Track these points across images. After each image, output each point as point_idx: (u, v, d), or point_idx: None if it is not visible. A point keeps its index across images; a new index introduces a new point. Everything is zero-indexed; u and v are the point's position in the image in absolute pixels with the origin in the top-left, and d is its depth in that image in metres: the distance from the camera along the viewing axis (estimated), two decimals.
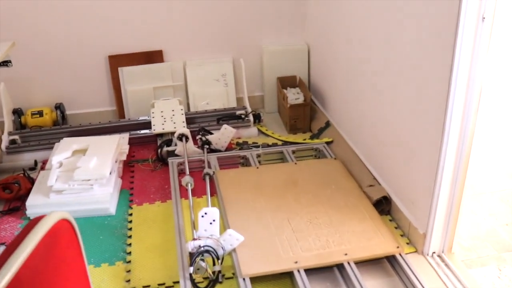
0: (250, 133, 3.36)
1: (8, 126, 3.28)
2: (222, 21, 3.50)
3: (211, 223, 2.22)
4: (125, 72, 3.48)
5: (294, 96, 3.43)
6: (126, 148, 3.00)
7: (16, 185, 2.78)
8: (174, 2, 3.38)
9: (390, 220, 2.51)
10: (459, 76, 1.89)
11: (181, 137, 2.95)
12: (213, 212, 2.22)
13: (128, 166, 3.07)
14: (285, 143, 3.22)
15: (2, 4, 3.21)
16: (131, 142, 3.19)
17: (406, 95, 2.25)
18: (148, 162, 3.09)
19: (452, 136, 2.00)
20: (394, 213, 2.50)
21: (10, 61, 2.81)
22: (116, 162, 2.86)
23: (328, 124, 3.26)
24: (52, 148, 3.11)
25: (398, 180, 2.45)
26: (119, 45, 3.45)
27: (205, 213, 2.21)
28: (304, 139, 3.25)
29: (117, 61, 3.47)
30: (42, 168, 3.07)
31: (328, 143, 3.11)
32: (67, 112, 3.57)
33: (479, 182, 2.84)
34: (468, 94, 1.92)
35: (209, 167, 2.87)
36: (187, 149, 2.94)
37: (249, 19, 3.52)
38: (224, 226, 2.39)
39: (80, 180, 2.60)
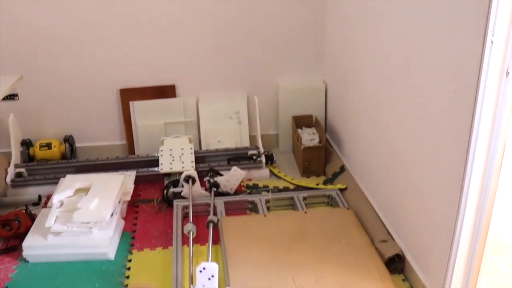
0: (261, 174, 3.24)
1: (15, 158, 3.22)
2: (237, 57, 3.41)
3: (209, 279, 2.10)
4: (136, 106, 3.40)
5: (309, 137, 3.30)
6: (131, 188, 2.90)
7: (16, 222, 2.70)
8: (188, 36, 3.31)
9: (403, 280, 2.34)
10: (480, 131, 1.73)
11: (188, 179, 2.84)
12: (212, 268, 2.09)
13: (133, 206, 2.96)
14: (297, 187, 3.09)
15: (15, 36, 3.18)
16: (138, 179, 3.10)
17: (425, 145, 2.10)
18: (153, 203, 2.98)
19: (472, 195, 1.83)
20: (408, 272, 2.34)
21: (17, 95, 2.76)
22: (119, 202, 2.76)
23: (343, 169, 3.12)
24: (57, 182, 3.03)
25: (413, 237, 2.29)
26: (131, 79, 3.38)
27: (204, 268, 2.09)
28: (317, 184, 3.11)
29: (128, 95, 3.40)
30: (46, 204, 2.99)
31: (341, 190, 2.97)
32: (77, 144, 3.51)
33: (503, 233, 2.64)
34: (491, 149, 1.76)
35: (215, 212, 2.74)
36: (193, 192, 2.83)
37: (265, 55, 3.42)
38: (224, 281, 2.25)
39: (79, 223, 2.50)
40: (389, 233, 2.52)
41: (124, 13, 3.20)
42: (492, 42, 1.62)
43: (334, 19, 3.24)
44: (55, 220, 2.53)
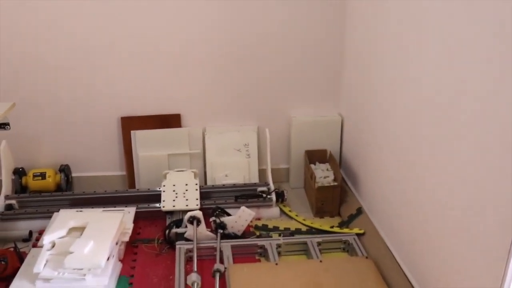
0: (271, 213, 3.01)
1: (6, 188, 3.00)
2: (248, 86, 3.20)
3: None
4: (138, 136, 3.18)
5: (323, 174, 3.08)
6: (129, 228, 2.66)
7: (2, 262, 2.46)
8: (196, 63, 3.11)
9: None
10: None
11: (192, 220, 2.61)
12: None
13: (131, 246, 2.72)
14: (310, 230, 2.85)
15: (9, 61, 2.99)
16: (138, 216, 2.87)
17: (463, 191, 1.86)
18: (154, 243, 2.74)
19: None
20: None
21: (8, 124, 2.54)
22: (117, 244, 2.52)
23: (360, 211, 2.89)
24: (50, 217, 2.81)
25: None
26: (133, 106, 3.17)
27: None
28: (332, 226, 2.87)
29: (130, 123, 3.18)
30: (37, 240, 2.76)
31: (359, 235, 2.73)
32: (73, 174, 3.29)
33: None
34: None
35: (221, 258, 2.50)
36: (198, 234, 2.59)
37: (277, 85, 3.22)
38: None
39: (71, 269, 2.26)
40: (413, 287, 2.28)
41: (127, 37, 3.01)
42: None
43: (353, 48, 3.04)
44: (45, 264, 2.29)
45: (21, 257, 2.54)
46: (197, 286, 2.25)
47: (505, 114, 1.57)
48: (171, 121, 3.21)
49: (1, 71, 3.00)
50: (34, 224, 2.87)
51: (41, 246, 2.43)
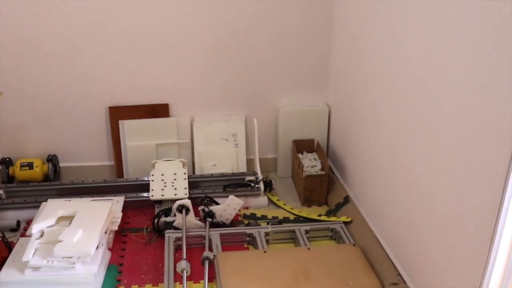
0: (259, 203, 3.03)
1: None
2: (236, 76, 3.20)
3: None
4: (126, 126, 3.17)
5: (311, 163, 3.10)
6: (118, 217, 2.67)
7: None
8: (184, 52, 3.10)
9: None
10: None
11: (181, 208, 2.62)
12: None
13: (120, 235, 2.73)
14: (298, 218, 2.88)
15: None
16: (127, 205, 2.88)
17: (450, 176, 1.89)
18: (143, 232, 2.75)
19: (506, 237, 1.64)
20: None
21: None
22: (106, 233, 2.52)
23: (347, 199, 2.91)
24: (38, 206, 2.80)
25: (429, 282, 2.08)
26: (121, 96, 3.16)
27: None
28: (319, 215, 2.90)
29: (118, 113, 3.17)
30: (25, 230, 2.75)
31: (346, 223, 2.76)
32: (61, 164, 3.27)
33: None
34: None
35: (210, 246, 2.52)
36: (187, 222, 2.61)
37: (265, 75, 3.22)
38: None
39: (60, 257, 2.26)
40: (399, 274, 2.32)
41: (116, 27, 2.99)
42: None
43: (340, 39, 3.06)
44: (34, 253, 2.29)
45: (9, 246, 2.53)
46: (186, 273, 2.27)
47: (493, 105, 1.60)
48: (159, 110, 3.21)
49: None
50: (21, 214, 2.87)
51: (30, 236, 2.42)
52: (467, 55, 1.72)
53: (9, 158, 3.17)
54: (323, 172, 3.01)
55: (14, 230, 2.79)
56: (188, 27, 3.05)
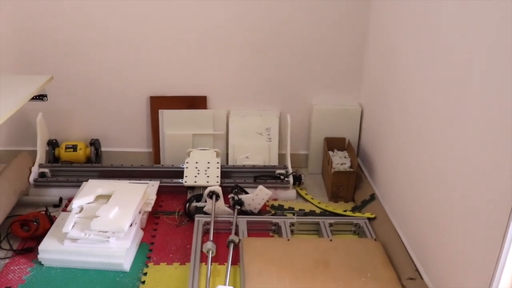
0: (288, 195, 3.13)
1: (40, 157, 3.18)
2: (272, 72, 3.32)
3: None
4: (165, 115, 3.34)
5: (341, 161, 3.18)
6: (152, 198, 2.82)
7: (35, 223, 2.65)
8: (224, 48, 3.24)
9: None
10: None
11: (212, 194, 2.75)
12: None
13: (153, 217, 2.88)
14: (324, 212, 2.97)
15: (48, 37, 3.17)
16: (161, 190, 3.03)
17: (467, 183, 1.96)
18: (175, 215, 2.90)
19: None
20: None
21: (46, 96, 2.71)
22: (139, 213, 2.68)
23: (373, 197, 2.99)
24: (79, 186, 2.98)
25: (444, 278, 2.15)
26: (162, 87, 3.32)
27: None
28: (345, 210, 2.98)
29: (158, 103, 3.34)
30: (66, 207, 2.94)
31: (370, 219, 2.84)
32: (102, 148, 3.46)
33: None
34: None
35: (237, 231, 2.65)
36: (216, 208, 2.74)
37: (301, 73, 3.33)
38: None
39: (96, 231, 2.43)
40: (417, 270, 2.38)
41: (159, 21, 3.15)
42: None
43: (375, 40, 3.13)
44: (73, 226, 2.47)
45: (51, 220, 2.72)
46: (212, 253, 2.39)
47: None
48: (197, 102, 3.36)
49: (41, 47, 3.18)
50: (64, 192, 3.06)
51: (70, 211, 2.60)
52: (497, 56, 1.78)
53: (55, 140, 3.38)
54: (351, 169, 3.10)
55: (56, 206, 2.99)
56: (228, 23, 3.18)
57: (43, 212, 2.77)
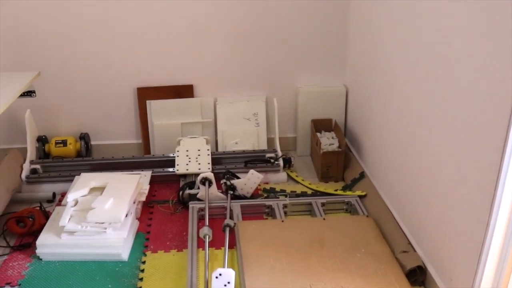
0: (279, 178, 3.18)
1: (30, 154, 3.19)
2: (256, 58, 3.35)
3: (225, 285, 2.04)
4: (153, 106, 3.36)
5: (328, 141, 3.23)
6: (146, 188, 2.85)
7: (30, 219, 2.67)
8: (208, 36, 3.26)
9: None
10: None
11: (205, 181, 2.79)
12: (229, 274, 2.03)
13: (147, 207, 2.92)
14: (315, 193, 3.02)
15: (32, 33, 3.16)
16: (153, 179, 3.06)
17: (454, 154, 2.01)
18: (169, 204, 2.94)
19: (504, 205, 1.74)
20: (429, 285, 2.26)
21: (34, 92, 2.72)
22: (134, 203, 2.71)
23: (362, 175, 3.05)
24: (72, 180, 3.00)
25: (436, 249, 2.22)
26: (148, 78, 3.34)
27: (220, 274, 2.03)
28: (336, 190, 3.04)
29: (145, 94, 3.35)
30: (60, 201, 2.96)
31: (361, 196, 2.90)
32: (92, 142, 3.47)
33: None
34: None
35: (232, 215, 2.69)
36: (210, 194, 2.78)
37: (285, 57, 3.36)
38: (240, 287, 2.20)
39: (93, 222, 2.46)
40: (410, 243, 2.45)
41: (143, 12, 3.16)
42: None
43: (357, 21, 3.17)
44: (69, 219, 2.49)
45: (46, 215, 2.74)
46: (208, 238, 2.44)
47: (493, 69, 1.72)
48: (184, 91, 3.38)
49: (27, 42, 3.17)
50: (57, 187, 3.07)
51: (65, 205, 2.62)
52: (481, 37, 1.83)
53: (45, 136, 3.38)
54: (340, 149, 3.15)
55: (50, 201, 3.00)
56: (210, 10, 3.20)
57: (38, 208, 2.79)
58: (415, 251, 2.39)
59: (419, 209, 2.37)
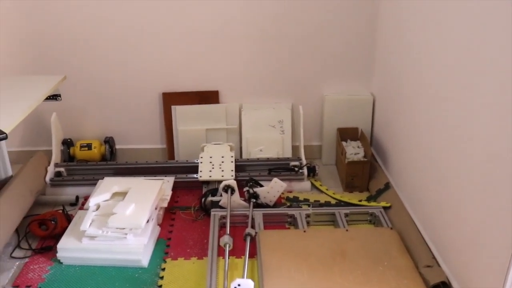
0: (302, 187, 3.13)
1: (55, 157, 3.21)
2: (283, 65, 3.31)
3: None
4: (178, 111, 3.35)
5: (354, 151, 3.18)
6: (168, 194, 2.84)
7: (52, 222, 2.68)
8: (234, 42, 3.24)
9: None
10: None
11: (227, 188, 2.76)
12: (247, 285, 2.01)
13: (169, 213, 2.90)
14: (339, 203, 2.97)
15: (60, 37, 3.19)
16: (176, 185, 3.04)
17: (484, 170, 1.95)
18: (191, 210, 2.92)
19: None
20: None
21: (59, 95, 2.74)
22: (156, 209, 2.70)
23: (387, 186, 2.98)
24: (95, 184, 3.01)
25: (462, 264, 2.14)
26: (174, 83, 3.33)
27: (239, 285, 2.01)
28: (360, 200, 2.98)
29: (171, 99, 3.35)
30: (83, 205, 2.97)
31: (385, 208, 2.83)
32: (117, 146, 3.49)
33: None
34: None
35: (253, 224, 2.66)
36: (232, 202, 2.75)
37: (312, 64, 3.32)
38: None
39: (114, 228, 2.46)
40: (434, 257, 2.38)
41: (169, 18, 3.16)
42: None
43: (386, 30, 3.11)
44: (90, 224, 2.49)
45: (68, 218, 2.75)
46: (228, 247, 2.41)
47: None
48: (209, 97, 3.36)
49: (54, 46, 3.21)
50: (80, 190, 3.09)
51: (87, 209, 2.63)
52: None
53: (70, 139, 3.40)
54: (365, 159, 3.09)
55: (73, 204, 3.01)
56: (237, 17, 3.17)
57: (60, 211, 2.80)
58: (439, 266, 2.32)
59: (446, 222, 2.30)
